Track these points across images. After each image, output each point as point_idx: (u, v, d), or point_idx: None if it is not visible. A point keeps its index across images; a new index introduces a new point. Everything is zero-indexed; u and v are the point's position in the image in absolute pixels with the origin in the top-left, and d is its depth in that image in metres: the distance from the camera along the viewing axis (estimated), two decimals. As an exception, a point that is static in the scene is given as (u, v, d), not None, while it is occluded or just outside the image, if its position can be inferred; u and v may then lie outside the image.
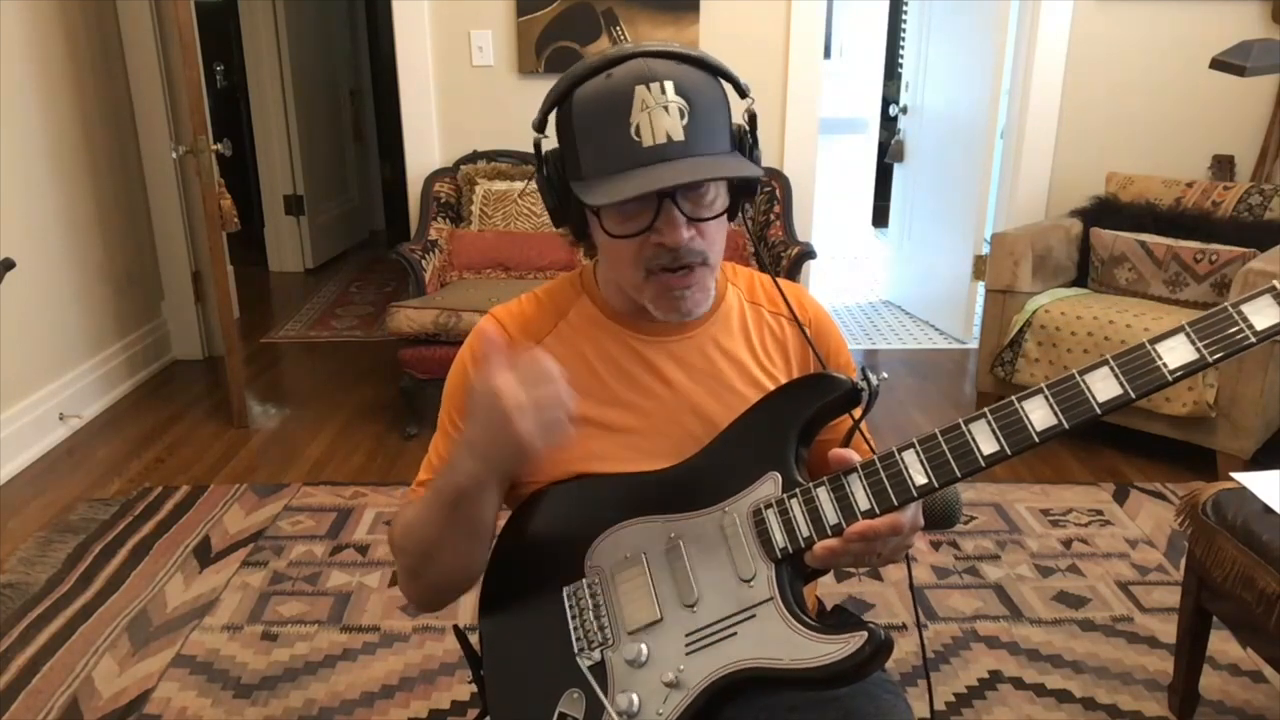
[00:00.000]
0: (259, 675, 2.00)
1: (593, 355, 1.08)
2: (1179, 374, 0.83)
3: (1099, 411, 0.85)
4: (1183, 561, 1.87)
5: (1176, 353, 0.83)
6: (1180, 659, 1.85)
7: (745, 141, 1.01)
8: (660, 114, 0.92)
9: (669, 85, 0.93)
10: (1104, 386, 0.85)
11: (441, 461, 1.10)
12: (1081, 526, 2.60)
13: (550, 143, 1.02)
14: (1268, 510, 1.59)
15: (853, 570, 2.36)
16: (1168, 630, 2.08)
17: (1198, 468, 2.89)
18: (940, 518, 1.09)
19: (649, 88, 0.92)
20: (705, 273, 1.02)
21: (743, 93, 1.01)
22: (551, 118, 1.02)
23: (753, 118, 1.02)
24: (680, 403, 1.07)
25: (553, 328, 1.10)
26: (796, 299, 1.16)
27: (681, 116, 0.92)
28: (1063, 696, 1.93)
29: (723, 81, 1.00)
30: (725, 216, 1.02)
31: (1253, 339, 0.82)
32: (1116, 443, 3.06)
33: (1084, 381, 0.86)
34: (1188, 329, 0.84)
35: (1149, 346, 0.84)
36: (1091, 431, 3.11)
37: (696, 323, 1.10)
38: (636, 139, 0.92)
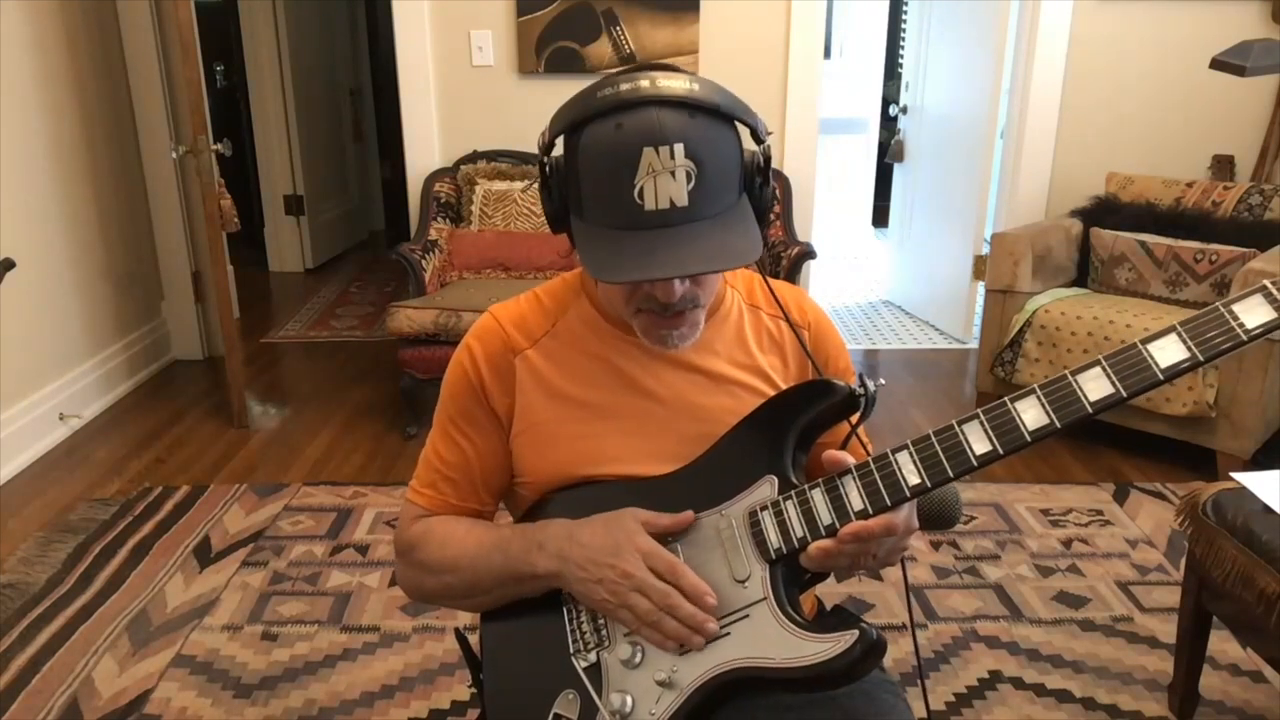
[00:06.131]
0: (259, 675, 2.00)
1: (589, 356, 1.09)
2: (1170, 373, 0.84)
3: (1090, 411, 0.86)
4: (1183, 561, 1.87)
5: (1167, 352, 0.84)
6: (1180, 659, 1.85)
7: (754, 182, 0.97)
8: (666, 180, 0.89)
9: (679, 149, 0.89)
10: (1096, 386, 0.86)
11: (443, 462, 1.10)
12: (1081, 526, 2.60)
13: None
14: (1268, 510, 1.59)
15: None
16: (1168, 630, 2.08)
17: (1198, 468, 2.89)
18: (940, 518, 1.09)
19: (658, 151, 0.89)
20: (697, 314, 1.02)
21: (759, 139, 0.97)
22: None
23: (767, 160, 0.98)
24: (677, 405, 1.07)
25: (550, 327, 1.10)
26: (796, 302, 1.15)
27: (689, 180, 0.90)
28: (1063, 696, 1.93)
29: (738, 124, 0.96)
30: None
31: (1244, 338, 0.82)
32: (1116, 443, 3.06)
33: (1076, 381, 0.86)
34: (1179, 329, 0.85)
35: (1140, 346, 0.85)
36: (1091, 431, 3.11)
37: None
38: (639, 202, 0.90)
